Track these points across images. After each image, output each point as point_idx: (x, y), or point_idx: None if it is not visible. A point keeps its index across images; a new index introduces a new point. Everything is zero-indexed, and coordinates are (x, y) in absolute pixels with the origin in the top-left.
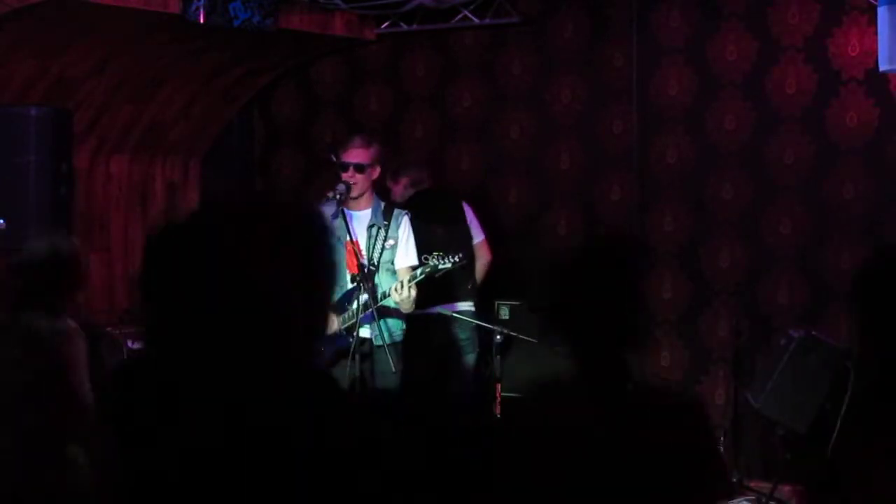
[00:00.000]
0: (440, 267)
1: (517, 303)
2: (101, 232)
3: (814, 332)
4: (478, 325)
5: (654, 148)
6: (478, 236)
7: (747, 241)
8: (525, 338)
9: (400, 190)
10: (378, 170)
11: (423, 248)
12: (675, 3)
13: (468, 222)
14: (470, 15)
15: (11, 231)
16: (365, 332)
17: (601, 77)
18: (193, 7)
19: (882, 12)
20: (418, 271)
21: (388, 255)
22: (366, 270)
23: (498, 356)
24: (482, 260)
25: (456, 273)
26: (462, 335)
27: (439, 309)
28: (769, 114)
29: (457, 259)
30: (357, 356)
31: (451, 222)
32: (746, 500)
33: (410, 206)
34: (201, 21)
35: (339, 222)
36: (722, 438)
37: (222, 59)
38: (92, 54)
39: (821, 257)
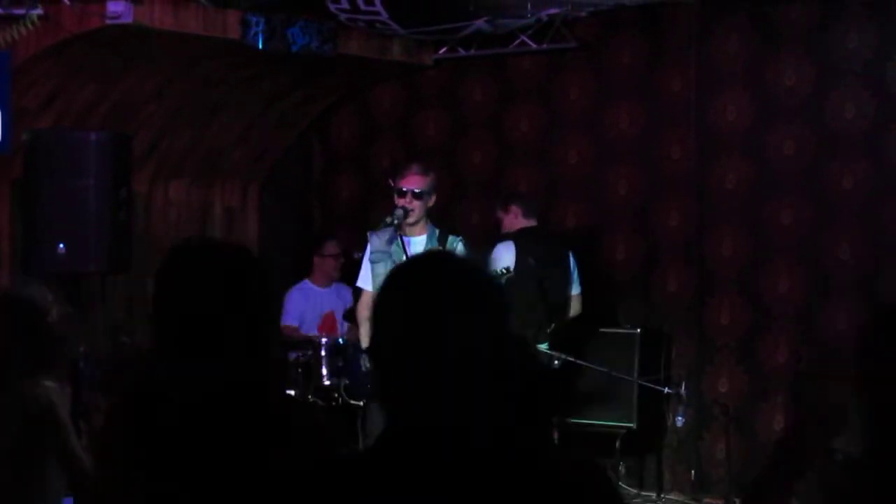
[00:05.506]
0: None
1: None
2: (159, 257)
3: None
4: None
5: (712, 172)
6: (576, 288)
7: (807, 265)
8: (590, 366)
9: (511, 219)
10: (434, 198)
11: (529, 283)
12: (734, 28)
13: (571, 269)
14: (527, 40)
15: (70, 256)
16: None
17: (659, 102)
18: (252, 32)
19: None
20: None
21: None
22: None
23: None
24: (571, 311)
25: (539, 313)
26: None
27: None
28: (828, 138)
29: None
30: None
31: (561, 264)
32: None
33: (519, 237)
34: (260, 47)
35: (395, 247)
36: None
37: (281, 85)
38: (151, 79)
39: (881, 283)
